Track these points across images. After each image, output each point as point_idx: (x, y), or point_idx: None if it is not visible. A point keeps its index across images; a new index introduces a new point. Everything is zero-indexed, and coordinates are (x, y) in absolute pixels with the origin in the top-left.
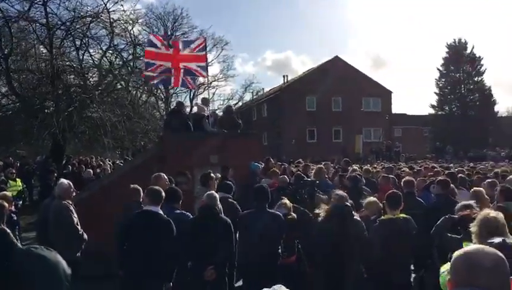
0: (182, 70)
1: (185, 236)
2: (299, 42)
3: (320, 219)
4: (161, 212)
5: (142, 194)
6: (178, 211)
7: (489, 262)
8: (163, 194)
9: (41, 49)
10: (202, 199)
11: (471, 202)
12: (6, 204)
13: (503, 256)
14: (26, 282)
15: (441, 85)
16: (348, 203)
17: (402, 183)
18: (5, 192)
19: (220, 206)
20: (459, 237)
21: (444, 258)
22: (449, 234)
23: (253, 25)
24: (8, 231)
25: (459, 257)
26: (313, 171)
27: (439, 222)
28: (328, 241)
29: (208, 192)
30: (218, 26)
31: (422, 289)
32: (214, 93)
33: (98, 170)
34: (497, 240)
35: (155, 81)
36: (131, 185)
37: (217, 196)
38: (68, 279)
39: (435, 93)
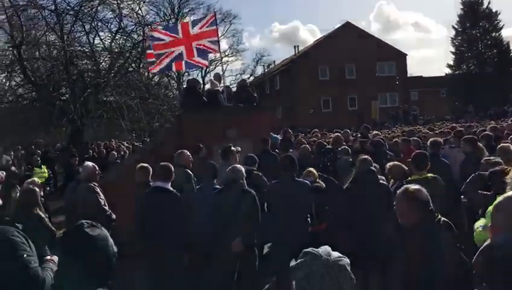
0: (195, 51)
1: (210, 209)
2: (305, 11)
3: (346, 184)
4: (170, 187)
5: (150, 173)
6: (217, 187)
7: None
8: (173, 169)
9: (52, 36)
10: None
11: (496, 158)
12: (37, 189)
13: None
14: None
15: (457, 43)
16: (372, 168)
17: (428, 143)
18: (33, 178)
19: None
20: (489, 193)
21: (472, 216)
22: (480, 191)
23: None
24: (43, 215)
25: (500, 203)
26: (331, 140)
27: (468, 179)
28: (356, 207)
29: (232, 165)
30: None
31: None
32: (225, 70)
33: (122, 153)
34: None
35: (156, 69)
36: (138, 165)
37: (242, 168)
38: (115, 255)
39: (451, 52)
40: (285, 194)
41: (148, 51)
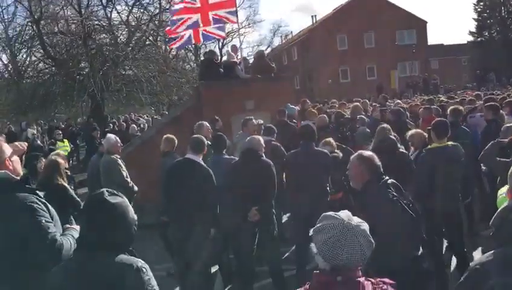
0: (212, 20)
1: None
2: None
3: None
4: (200, 160)
5: (175, 144)
6: (227, 157)
7: None
8: (206, 143)
9: (70, 10)
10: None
11: None
12: (61, 160)
13: None
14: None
15: (479, 10)
16: (392, 136)
17: (448, 112)
18: (58, 150)
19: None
20: (508, 160)
21: (493, 184)
22: (498, 158)
23: None
24: (67, 185)
25: None
26: (350, 109)
27: (487, 146)
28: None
29: (251, 136)
30: None
31: (470, 217)
32: (242, 41)
33: (142, 126)
34: None
35: (177, 45)
36: (164, 136)
37: (260, 139)
38: (136, 224)
39: (473, 19)
40: (304, 163)
41: (167, 28)
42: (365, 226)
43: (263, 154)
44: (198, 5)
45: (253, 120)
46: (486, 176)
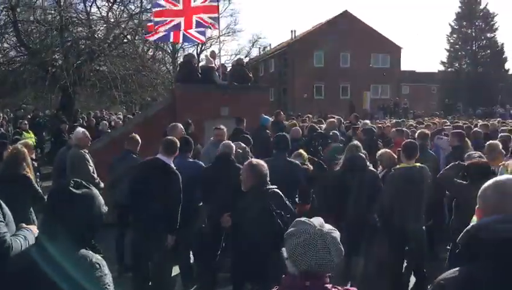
0: (194, 23)
1: (200, 185)
2: None
3: (336, 169)
4: (170, 162)
5: (138, 145)
6: (190, 160)
7: None
8: (177, 143)
9: (48, 1)
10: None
11: (480, 153)
12: (25, 149)
13: None
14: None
15: (452, 41)
16: (362, 154)
17: (416, 135)
18: (26, 140)
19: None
20: (465, 182)
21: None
22: (456, 180)
23: None
24: (31, 176)
25: (489, 185)
26: (325, 124)
27: (447, 167)
28: (343, 191)
29: (224, 141)
30: None
31: (431, 238)
32: (220, 48)
33: (113, 123)
34: None
35: (153, 38)
36: (130, 135)
37: (233, 145)
38: (102, 216)
39: (446, 49)
40: (276, 172)
41: (149, 24)
42: (336, 233)
43: (235, 160)
44: (180, 7)
45: (224, 129)
46: (448, 198)
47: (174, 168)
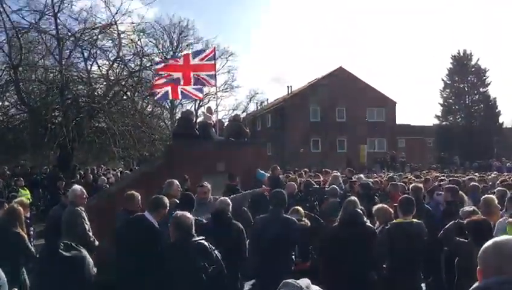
0: (192, 80)
1: None
2: (298, 54)
3: (334, 225)
4: (149, 217)
5: (137, 201)
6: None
7: None
8: (166, 203)
9: (50, 60)
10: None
11: (474, 207)
12: (20, 208)
13: None
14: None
15: (445, 95)
16: (359, 209)
17: (410, 190)
18: (22, 198)
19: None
20: (466, 240)
21: (451, 264)
22: (457, 238)
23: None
24: (24, 234)
25: (489, 247)
26: (330, 179)
27: (447, 225)
28: (341, 247)
29: (221, 197)
30: (219, 37)
31: None
32: (218, 104)
33: (110, 179)
34: None
35: (158, 96)
36: (127, 193)
37: (230, 202)
38: (92, 278)
39: (440, 104)
40: (272, 229)
41: (155, 80)
42: None
43: (232, 217)
44: (181, 63)
45: (208, 186)
46: (445, 255)
47: (155, 224)
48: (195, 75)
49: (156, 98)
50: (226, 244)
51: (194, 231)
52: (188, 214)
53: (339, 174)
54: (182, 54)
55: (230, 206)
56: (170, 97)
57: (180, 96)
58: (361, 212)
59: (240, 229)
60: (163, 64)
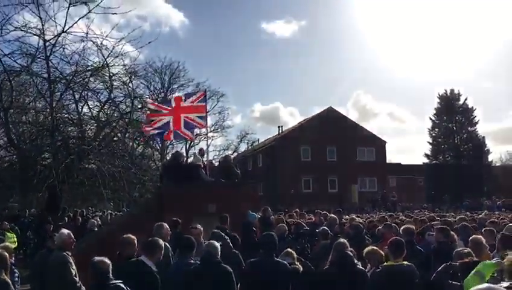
0: (182, 122)
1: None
2: (286, 95)
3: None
4: (147, 262)
5: (134, 245)
6: (192, 261)
7: None
8: (161, 246)
9: (41, 102)
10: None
11: (469, 249)
12: (7, 254)
13: None
14: None
15: (434, 135)
16: (348, 251)
17: (401, 231)
18: (6, 243)
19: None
20: (459, 284)
21: None
22: (450, 281)
23: (241, 78)
24: (9, 281)
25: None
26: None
27: (440, 268)
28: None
29: (210, 241)
30: (210, 78)
31: None
32: (209, 144)
33: (98, 222)
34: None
35: (151, 133)
36: (122, 237)
37: (218, 245)
38: None
39: (428, 142)
40: (264, 273)
41: (144, 126)
42: None
43: (221, 261)
44: (172, 107)
45: (200, 229)
46: None
47: (152, 268)
48: (185, 118)
49: (150, 134)
50: (215, 288)
51: (111, 274)
52: (106, 259)
53: (335, 215)
54: (173, 96)
55: (219, 249)
56: (164, 138)
57: (172, 138)
58: (351, 254)
59: (228, 272)
60: (154, 109)
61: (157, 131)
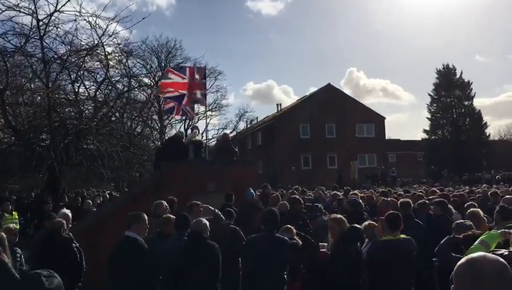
0: (191, 99)
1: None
2: (279, 73)
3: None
4: (135, 235)
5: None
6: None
7: (493, 270)
8: (144, 218)
9: (37, 83)
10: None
11: (469, 221)
12: (3, 234)
13: (506, 263)
14: None
15: (432, 110)
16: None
17: (399, 205)
18: (9, 225)
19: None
20: (462, 256)
21: (444, 279)
22: (453, 254)
23: (231, 57)
24: (7, 261)
25: (462, 264)
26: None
27: (442, 241)
28: (332, 266)
29: (197, 218)
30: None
31: None
32: (208, 123)
33: (98, 201)
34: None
35: (165, 108)
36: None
37: (207, 222)
38: None
39: (427, 118)
40: (264, 249)
41: (163, 80)
42: None
43: (208, 237)
44: (187, 80)
45: (197, 202)
46: (438, 270)
47: (141, 241)
48: (195, 94)
49: (164, 109)
50: (202, 264)
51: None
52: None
53: (338, 192)
54: (187, 66)
55: (207, 227)
56: (174, 113)
57: (180, 113)
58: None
59: (214, 248)
60: (168, 81)
61: (171, 104)
